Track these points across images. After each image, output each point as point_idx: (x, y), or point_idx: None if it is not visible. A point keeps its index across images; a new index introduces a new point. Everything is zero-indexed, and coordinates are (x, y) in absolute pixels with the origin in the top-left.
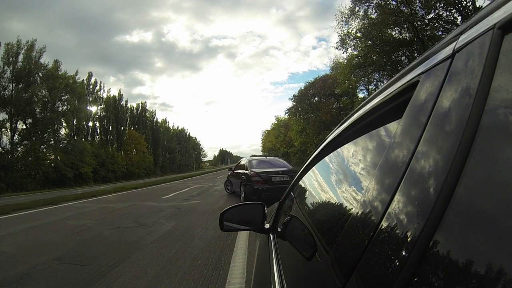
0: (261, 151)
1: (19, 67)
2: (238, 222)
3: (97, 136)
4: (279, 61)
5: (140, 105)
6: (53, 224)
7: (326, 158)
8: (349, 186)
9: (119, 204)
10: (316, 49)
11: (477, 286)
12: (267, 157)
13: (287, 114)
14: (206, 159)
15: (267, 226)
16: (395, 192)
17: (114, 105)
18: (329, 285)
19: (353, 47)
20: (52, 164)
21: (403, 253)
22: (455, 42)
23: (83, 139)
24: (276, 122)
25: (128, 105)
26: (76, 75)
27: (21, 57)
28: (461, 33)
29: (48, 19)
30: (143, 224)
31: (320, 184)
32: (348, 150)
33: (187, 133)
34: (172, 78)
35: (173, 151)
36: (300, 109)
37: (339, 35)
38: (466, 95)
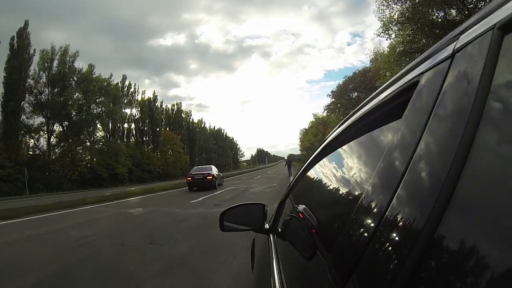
0: (299, 150)
1: (54, 72)
2: (238, 222)
3: (132, 137)
4: (314, 59)
5: (175, 106)
6: (54, 234)
7: (326, 158)
8: (349, 186)
9: (139, 209)
10: (351, 45)
11: None
12: (203, 166)
13: (325, 111)
14: (243, 158)
15: (267, 226)
16: (395, 192)
17: (149, 106)
18: (329, 285)
19: (397, 32)
20: (88, 165)
21: (403, 253)
22: (455, 42)
23: (118, 141)
24: (314, 120)
25: (164, 106)
26: (110, 77)
27: (55, 63)
28: (461, 33)
29: (84, 27)
30: (154, 241)
31: (320, 184)
32: (348, 150)
33: (224, 133)
34: (207, 79)
35: (210, 151)
36: (339, 105)
37: (381, 20)
38: (466, 95)
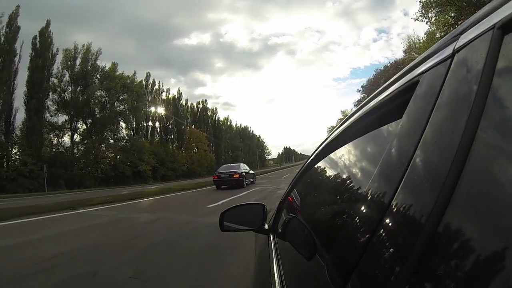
0: None
1: (77, 70)
2: (238, 223)
3: (157, 135)
4: (339, 56)
5: (201, 103)
6: (19, 248)
7: (326, 159)
8: (349, 186)
9: (145, 215)
10: (377, 42)
11: None
12: (231, 164)
13: (355, 107)
14: (270, 157)
15: (267, 226)
16: (395, 192)
17: (173, 103)
18: (329, 285)
19: (437, 16)
20: (112, 163)
21: (403, 254)
22: (455, 42)
23: (142, 138)
24: (342, 117)
25: (189, 103)
26: (134, 75)
27: (78, 61)
28: (461, 33)
29: (109, 29)
30: (139, 271)
31: (320, 184)
32: (348, 150)
33: (251, 131)
34: (233, 77)
35: (236, 149)
36: None
37: (420, 1)
38: (466, 95)
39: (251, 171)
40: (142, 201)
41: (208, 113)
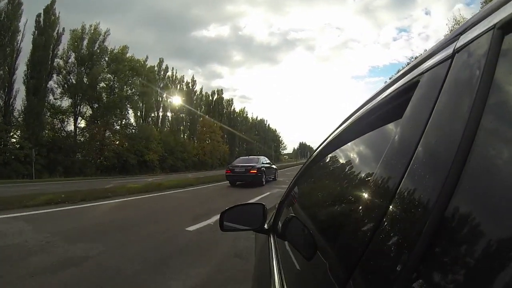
0: None
1: (83, 51)
2: (238, 222)
3: (167, 123)
4: (358, 54)
5: (216, 93)
6: None
7: (326, 158)
8: (349, 186)
9: (75, 244)
10: (397, 41)
11: (478, 286)
12: (248, 157)
13: None
14: (285, 151)
15: (267, 226)
16: (395, 192)
17: (187, 91)
18: (329, 285)
19: None
20: (116, 151)
21: (404, 254)
22: (455, 42)
23: (153, 126)
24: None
25: (203, 92)
26: (146, 60)
27: (85, 42)
28: (461, 33)
29: (128, 20)
30: None
31: (320, 184)
32: (348, 150)
33: (267, 124)
34: (250, 70)
35: (251, 141)
36: None
37: None
38: (466, 96)
39: (272, 166)
40: (102, 205)
41: (224, 103)
